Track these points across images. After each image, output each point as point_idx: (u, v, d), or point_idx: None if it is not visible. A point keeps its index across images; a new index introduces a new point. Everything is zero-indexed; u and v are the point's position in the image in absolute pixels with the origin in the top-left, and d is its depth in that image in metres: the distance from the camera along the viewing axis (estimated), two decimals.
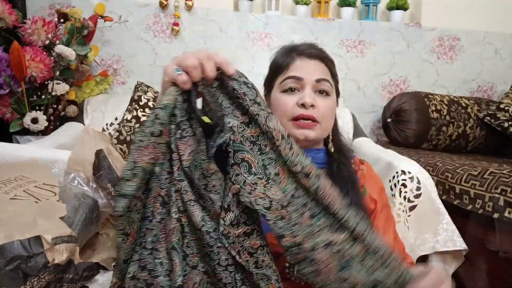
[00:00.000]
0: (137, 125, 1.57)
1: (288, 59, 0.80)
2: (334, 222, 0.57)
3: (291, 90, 0.78)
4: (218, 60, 0.55)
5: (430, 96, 1.96)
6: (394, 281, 0.57)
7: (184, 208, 0.57)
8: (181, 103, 0.56)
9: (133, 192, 0.55)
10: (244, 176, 0.56)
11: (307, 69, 0.78)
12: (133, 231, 0.59)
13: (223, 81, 0.57)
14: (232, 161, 0.56)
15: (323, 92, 0.78)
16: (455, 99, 2.00)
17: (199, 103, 0.59)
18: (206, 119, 0.57)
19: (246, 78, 0.58)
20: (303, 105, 0.76)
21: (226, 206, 0.56)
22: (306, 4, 2.08)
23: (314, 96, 0.77)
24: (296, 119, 0.77)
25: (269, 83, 0.85)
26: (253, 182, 0.56)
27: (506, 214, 1.18)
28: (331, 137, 0.84)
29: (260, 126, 0.57)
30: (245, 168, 0.56)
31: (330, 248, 0.56)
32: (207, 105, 0.58)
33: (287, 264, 0.73)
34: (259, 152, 0.57)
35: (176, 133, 0.57)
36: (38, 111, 1.53)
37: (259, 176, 0.56)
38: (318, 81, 0.77)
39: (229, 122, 0.57)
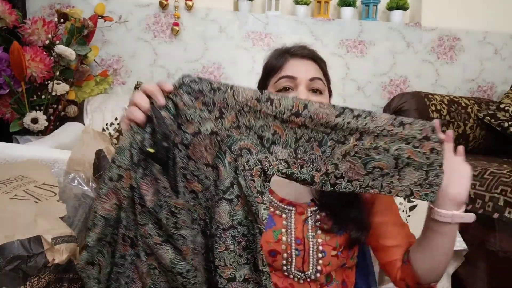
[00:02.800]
0: None
1: (281, 60, 0.82)
2: (338, 134, 0.60)
3: (285, 89, 0.79)
4: (148, 88, 0.56)
5: (430, 96, 1.96)
6: (411, 143, 0.60)
7: (151, 251, 0.57)
8: (137, 142, 0.55)
9: (93, 242, 0.55)
10: (253, 159, 0.58)
11: (300, 69, 0.80)
12: (105, 277, 0.59)
13: (174, 100, 0.56)
14: (234, 156, 0.58)
15: (316, 91, 0.80)
16: (455, 99, 2.00)
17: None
18: (150, 150, 0.55)
19: (189, 76, 0.57)
20: None
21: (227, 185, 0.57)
22: (306, 4, 2.08)
23: (308, 94, 0.78)
24: None
25: (263, 85, 0.86)
26: (263, 158, 0.59)
27: (506, 214, 1.18)
28: None
29: (233, 107, 0.57)
30: (248, 153, 0.58)
31: (348, 156, 0.60)
32: (156, 133, 0.55)
33: (284, 262, 0.73)
34: (247, 131, 0.58)
35: (137, 172, 0.56)
36: (38, 111, 1.53)
37: (262, 150, 0.59)
38: (311, 79, 0.79)
39: (206, 129, 0.57)
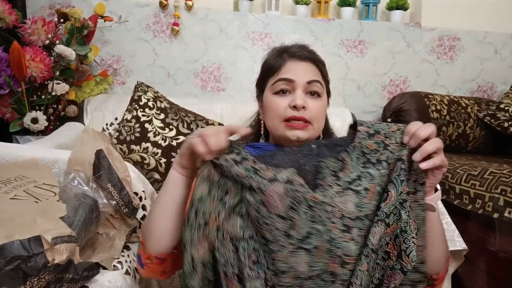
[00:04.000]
0: (137, 125, 1.56)
1: (279, 61, 0.81)
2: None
3: (282, 92, 0.79)
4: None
5: (430, 96, 1.96)
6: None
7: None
8: (217, 180, 0.60)
9: (199, 283, 0.59)
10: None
11: (298, 71, 0.79)
12: None
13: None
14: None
15: (314, 94, 0.80)
16: (455, 99, 2.00)
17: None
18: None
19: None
20: (294, 107, 0.77)
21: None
22: (306, 4, 2.08)
23: (305, 97, 0.78)
24: (288, 120, 0.78)
25: (261, 84, 0.86)
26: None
27: (506, 214, 1.18)
28: (321, 137, 0.85)
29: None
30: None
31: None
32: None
33: None
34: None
35: (225, 208, 0.59)
36: (38, 111, 1.53)
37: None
38: (309, 82, 0.78)
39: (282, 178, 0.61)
